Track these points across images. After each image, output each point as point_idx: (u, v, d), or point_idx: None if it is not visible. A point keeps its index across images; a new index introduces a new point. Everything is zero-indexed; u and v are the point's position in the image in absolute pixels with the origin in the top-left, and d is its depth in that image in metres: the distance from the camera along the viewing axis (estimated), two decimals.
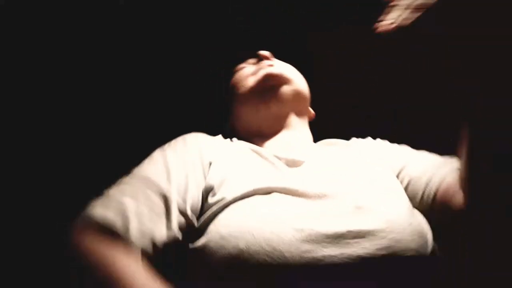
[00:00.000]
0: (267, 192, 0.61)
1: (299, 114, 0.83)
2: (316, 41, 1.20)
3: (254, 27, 1.23)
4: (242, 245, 0.52)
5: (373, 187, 0.63)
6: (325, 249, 0.51)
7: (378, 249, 0.52)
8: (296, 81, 0.82)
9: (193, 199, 0.61)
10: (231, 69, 0.88)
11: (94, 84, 1.16)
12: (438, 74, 1.17)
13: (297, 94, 0.81)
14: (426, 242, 0.56)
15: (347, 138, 0.85)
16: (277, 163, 0.69)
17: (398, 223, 0.55)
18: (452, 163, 0.64)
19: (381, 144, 0.80)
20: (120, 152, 1.15)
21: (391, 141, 0.81)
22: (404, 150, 0.77)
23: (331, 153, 0.76)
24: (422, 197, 0.64)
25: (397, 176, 0.70)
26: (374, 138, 0.83)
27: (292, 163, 0.70)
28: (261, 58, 0.84)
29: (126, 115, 1.19)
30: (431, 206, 0.63)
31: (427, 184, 0.64)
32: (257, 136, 0.81)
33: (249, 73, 0.83)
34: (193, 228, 0.60)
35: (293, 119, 0.82)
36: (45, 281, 0.83)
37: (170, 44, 1.21)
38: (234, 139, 0.78)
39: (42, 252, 0.90)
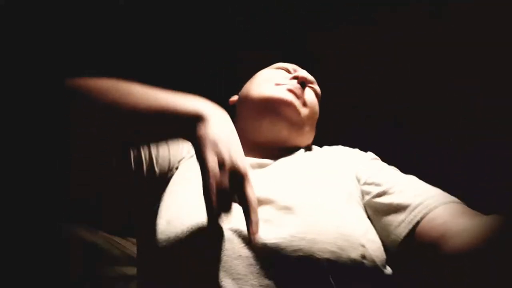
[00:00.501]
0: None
1: (289, 144, 0.82)
2: (316, 41, 1.20)
3: (254, 27, 1.23)
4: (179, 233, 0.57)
5: (312, 190, 0.64)
6: (243, 249, 0.55)
7: (293, 250, 0.54)
8: (303, 122, 0.79)
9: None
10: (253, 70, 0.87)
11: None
12: (437, 74, 1.17)
13: (293, 131, 0.79)
14: (352, 245, 0.56)
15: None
16: None
17: (321, 224, 0.57)
18: (448, 197, 0.62)
19: (366, 163, 0.77)
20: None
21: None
22: (391, 173, 0.72)
23: (290, 160, 0.76)
24: (400, 224, 0.62)
25: (376, 198, 0.68)
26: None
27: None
28: (296, 77, 0.80)
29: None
30: (409, 235, 0.60)
31: (411, 212, 0.62)
32: (250, 140, 0.80)
33: (273, 80, 0.80)
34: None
35: (279, 144, 0.80)
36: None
37: (170, 44, 1.21)
38: None
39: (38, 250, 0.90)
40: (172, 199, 0.64)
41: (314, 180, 0.69)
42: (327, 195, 0.65)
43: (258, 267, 0.54)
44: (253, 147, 0.79)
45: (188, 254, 0.55)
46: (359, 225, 0.61)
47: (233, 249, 0.55)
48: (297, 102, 0.77)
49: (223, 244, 0.55)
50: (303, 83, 0.79)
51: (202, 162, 0.52)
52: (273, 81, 0.80)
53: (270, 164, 0.74)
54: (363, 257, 0.56)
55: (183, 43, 1.22)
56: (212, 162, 0.52)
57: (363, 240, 0.58)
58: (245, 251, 0.55)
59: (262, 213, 0.57)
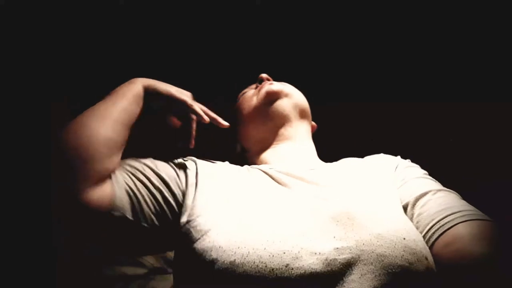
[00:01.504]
0: (262, 207, 0.63)
1: (302, 126, 0.87)
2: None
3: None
4: (237, 259, 0.53)
5: (368, 200, 0.63)
6: (313, 265, 0.52)
7: (364, 264, 0.52)
8: (295, 95, 0.87)
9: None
10: (235, 97, 0.94)
11: (95, 85, 1.16)
12: None
13: (297, 106, 0.86)
14: (418, 260, 0.54)
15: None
16: (280, 178, 0.72)
17: (388, 237, 0.55)
18: (468, 211, 0.60)
19: (401, 170, 0.76)
20: None
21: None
22: (421, 183, 0.71)
23: (334, 169, 0.77)
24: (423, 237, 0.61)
25: (405, 211, 0.67)
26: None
27: (293, 177, 0.72)
28: (261, 80, 0.90)
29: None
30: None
31: (430, 229, 0.61)
32: (264, 151, 0.85)
33: (251, 94, 0.89)
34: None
35: (296, 131, 0.85)
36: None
37: (170, 44, 1.21)
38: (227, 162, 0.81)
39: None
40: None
41: (367, 187, 0.68)
42: (387, 204, 0.64)
43: (327, 282, 0.51)
44: (277, 145, 0.83)
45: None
46: (418, 236, 0.59)
47: (302, 265, 0.52)
48: (278, 86, 0.85)
49: (292, 261, 0.53)
50: (268, 79, 0.90)
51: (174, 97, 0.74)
52: (251, 97, 0.88)
53: (314, 169, 0.75)
54: (428, 269, 0.55)
55: (183, 43, 1.22)
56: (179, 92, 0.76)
57: (426, 252, 0.57)
58: (314, 265, 0.52)
59: (320, 222, 0.57)
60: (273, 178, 0.72)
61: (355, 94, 1.26)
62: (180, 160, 0.72)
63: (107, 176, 0.62)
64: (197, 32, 1.22)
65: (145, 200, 0.63)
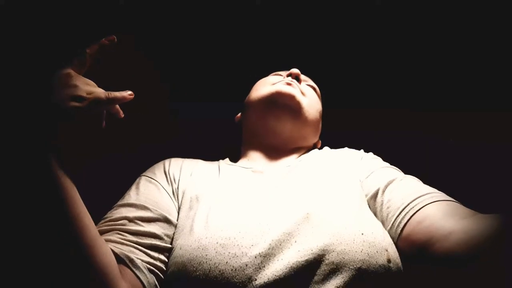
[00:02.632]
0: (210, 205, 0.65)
1: (298, 139, 0.85)
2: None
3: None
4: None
5: (326, 199, 0.64)
6: (276, 272, 0.52)
7: (326, 264, 0.53)
8: (305, 110, 0.82)
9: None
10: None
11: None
12: None
13: (298, 122, 0.82)
14: (378, 251, 0.55)
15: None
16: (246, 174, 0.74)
17: (346, 234, 0.56)
18: (436, 196, 0.61)
19: (366, 161, 0.78)
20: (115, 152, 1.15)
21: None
22: (388, 172, 0.73)
23: (299, 167, 0.77)
24: (393, 224, 0.62)
25: (374, 199, 0.68)
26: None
27: (258, 173, 0.75)
28: (290, 74, 0.86)
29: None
30: (400, 236, 0.60)
31: (401, 212, 0.61)
32: (252, 140, 0.85)
33: (270, 82, 0.86)
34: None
35: (289, 141, 0.83)
36: None
37: (170, 44, 1.21)
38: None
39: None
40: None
41: (327, 185, 0.69)
42: (344, 201, 0.64)
43: (291, 285, 0.52)
44: (266, 151, 0.83)
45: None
46: (378, 228, 0.60)
47: (265, 274, 0.53)
48: (294, 91, 0.81)
49: (255, 272, 0.53)
50: (297, 77, 0.85)
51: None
52: (269, 83, 0.85)
53: (281, 170, 0.76)
54: (389, 261, 0.56)
55: (183, 43, 1.22)
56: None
57: (386, 244, 0.58)
58: (277, 272, 0.53)
59: (282, 223, 0.58)
60: (246, 181, 0.73)
61: (355, 94, 1.26)
62: (166, 183, 0.73)
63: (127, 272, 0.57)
64: (197, 32, 1.22)
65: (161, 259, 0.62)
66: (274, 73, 0.91)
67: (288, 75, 0.85)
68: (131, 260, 0.57)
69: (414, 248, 0.58)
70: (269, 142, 0.83)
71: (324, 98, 0.95)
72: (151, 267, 0.59)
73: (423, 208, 0.59)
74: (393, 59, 1.24)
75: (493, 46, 1.13)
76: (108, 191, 0.75)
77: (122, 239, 0.59)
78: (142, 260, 0.58)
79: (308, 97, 0.85)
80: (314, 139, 0.89)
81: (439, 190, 0.65)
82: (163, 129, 1.12)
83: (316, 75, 0.97)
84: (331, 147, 0.87)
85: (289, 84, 0.82)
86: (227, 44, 1.24)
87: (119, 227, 0.60)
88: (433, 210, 0.58)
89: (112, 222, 0.61)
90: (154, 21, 1.18)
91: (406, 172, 0.74)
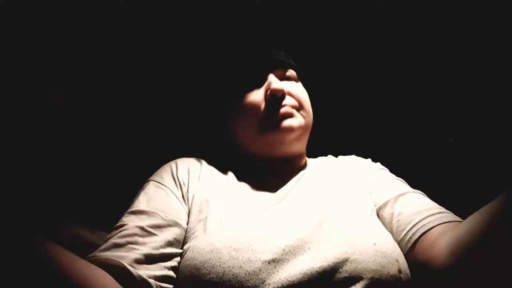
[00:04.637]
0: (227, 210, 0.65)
1: (305, 140, 0.83)
2: None
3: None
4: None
5: (339, 208, 0.65)
6: (290, 278, 0.53)
7: (340, 272, 0.53)
8: (306, 124, 0.79)
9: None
10: (236, 86, 0.82)
11: (94, 85, 1.16)
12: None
13: (304, 138, 0.80)
14: (389, 262, 0.57)
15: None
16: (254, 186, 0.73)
17: (360, 244, 0.57)
18: (443, 213, 0.64)
19: (375, 171, 0.79)
20: (116, 152, 1.15)
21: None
22: (397, 184, 0.75)
23: (310, 174, 0.77)
24: (402, 239, 0.64)
25: (383, 209, 0.70)
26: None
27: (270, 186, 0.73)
28: (274, 94, 0.76)
29: (125, 116, 1.19)
30: (408, 251, 0.63)
31: (411, 228, 0.64)
32: (245, 153, 0.81)
33: (259, 115, 0.76)
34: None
35: (297, 146, 0.80)
36: None
37: (171, 45, 1.21)
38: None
39: None
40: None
41: (339, 193, 0.70)
42: (355, 210, 0.65)
43: None
44: (267, 162, 0.79)
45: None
46: (388, 239, 0.62)
47: (279, 279, 0.53)
48: (294, 121, 0.75)
49: (268, 277, 0.53)
50: (280, 94, 0.76)
51: None
52: (259, 117, 0.76)
53: (291, 180, 0.75)
54: (400, 271, 0.57)
55: (183, 43, 1.22)
56: None
57: (396, 254, 0.59)
58: (290, 277, 0.53)
59: (295, 230, 0.58)
60: (254, 185, 0.73)
61: (354, 95, 1.26)
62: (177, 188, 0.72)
63: None
64: (197, 32, 1.22)
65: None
66: (249, 87, 0.80)
67: (271, 94, 0.76)
68: (145, 281, 0.57)
69: (418, 263, 0.61)
70: (264, 156, 0.81)
71: (324, 98, 0.95)
72: (163, 284, 0.59)
73: (432, 229, 0.62)
74: (393, 59, 1.24)
75: (493, 46, 1.13)
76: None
77: (135, 254, 0.59)
78: (155, 276, 0.58)
79: (301, 103, 0.79)
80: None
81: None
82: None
83: (316, 75, 0.97)
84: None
85: (284, 114, 0.75)
86: (227, 44, 1.24)
87: (133, 240, 0.60)
88: (438, 232, 0.61)
89: (126, 232, 0.62)
90: (154, 21, 1.18)
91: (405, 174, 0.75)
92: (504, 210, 0.50)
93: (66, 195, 1.05)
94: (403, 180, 0.77)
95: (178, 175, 0.74)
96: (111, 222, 0.68)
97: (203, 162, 0.80)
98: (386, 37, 1.22)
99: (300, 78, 0.86)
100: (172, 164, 0.78)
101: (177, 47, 1.22)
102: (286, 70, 0.82)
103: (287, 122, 0.74)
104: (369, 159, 0.84)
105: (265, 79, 0.80)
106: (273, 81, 0.78)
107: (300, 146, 0.81)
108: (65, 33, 1.11)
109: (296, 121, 0.76)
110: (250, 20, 1.21)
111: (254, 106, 0.77)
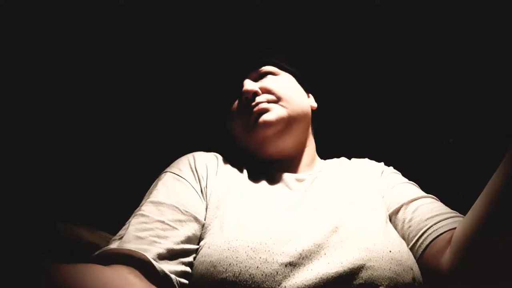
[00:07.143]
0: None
1: (302, 139, 0.83)
2: None
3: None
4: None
5: (354, 214, 0.64)
6: (306, 281, 0.53)
7: (355, 278, 0.53)
8: (289, 116, 0.78)
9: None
10: (222, 98, 0.86)
11: (94, 85, 1.16)
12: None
13: (290, 129, 0.79)
14: (404, 270, 0.56)
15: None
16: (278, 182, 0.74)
17: (375, 251, 0.57)
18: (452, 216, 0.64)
19: (388, 176, 0.79)
20: (116, 151, 1.15)
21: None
22: (410, 189, 0.75)
23: (324, 178, 0.77)
24: (414, 245, 0.65)
25: (395, 215, 0.70)
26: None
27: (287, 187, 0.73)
28: (246, 96, 0.79)
29: (125, 115, 1.19)
30: (419, 257, 0.63)
31: (422, 234, 0.64)
32: (268, 154, 0.81)
33: (241, 110, 0.80)
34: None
35: (287, 140, 0.80)
36: None
37: (171, 45, 1.21)
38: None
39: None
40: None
41: (353, 198, 0.69)
42: (371, 216, 0.65)
43: None
44: (269, 162, 0.81)
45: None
46: (403, 247, 0.61)
47: (295, 282, 0.53)
48: (268, 116, 0.76)
49: (284, 279, 0.53)
50: (249, 95, 0.78)
51: None
52: (241, 121, 0.79)
53: (304, 179, 0.75)
54: (414, 279, 0.57)
55: (183, 43, 1.22)
56: None
57: (410, 262, 0.59)
58: (306, 281, 0.53)
59: (311, 234, 0.58)
60: (268, 184, 0.73)
61: (355, 94, 1.26)
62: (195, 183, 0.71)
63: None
64: (197, 32, 1.22)
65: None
66: (229, 92, 0.84)
67: (244, 97, 0.79)
68: (167, 276, 0.56)
69: (429, 270, 0.61)
70: (277, 159, 0.82)
71: (324, 97, 0.95)
72: (182, 279, 0.59)
73: (443, 235, 0.62)
74: (392, 59, 1.24)
75: (493, 45, 1.13)
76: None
77: (158, 248, 0.58)
78: (176, 272, 0.58)
79: (279, 95, 0.79)
80: (305, 126, 0.84)
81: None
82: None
83: (315, 75, 0.97)
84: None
85: (259, 111, 0.77)
86: (227, 44, 1.24)
87: (155, 233, 0.60)
88: (449, 237, 0.61)
89: (147, 226, 0.60)
90: (154, 21, 1.18)
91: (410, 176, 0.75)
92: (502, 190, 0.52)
93: (66, 195, 1.05)
94: (415, 184, 0.77)
95: (197, 169, 0.73)
96: (111, 222, 0.67)
97: (219, 158, 0.80)
98: (386, 37, 1.22)
99: (287, 69, 0.87)
100: (190, 157, 0.77)
101: (177, 47, 1.22)
102: (260, 69, 0.84)
103: (262, 118, 0.76)
104: (382, 163, 0.84)
105: (242, 85, 0.82)
106: (244, 84, 0.81)
107: (291, 139, 0.79)
108: (65, 33, 1.11)
109: (273, 114, 0.76)
110: (250, 20, 1.21)
111: (236, 113, 0.81)
